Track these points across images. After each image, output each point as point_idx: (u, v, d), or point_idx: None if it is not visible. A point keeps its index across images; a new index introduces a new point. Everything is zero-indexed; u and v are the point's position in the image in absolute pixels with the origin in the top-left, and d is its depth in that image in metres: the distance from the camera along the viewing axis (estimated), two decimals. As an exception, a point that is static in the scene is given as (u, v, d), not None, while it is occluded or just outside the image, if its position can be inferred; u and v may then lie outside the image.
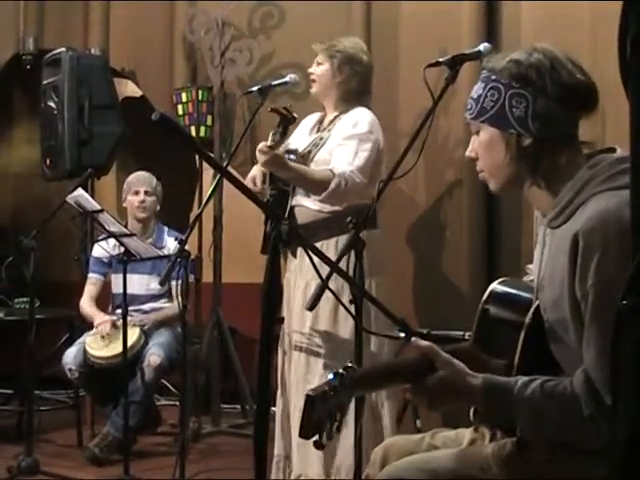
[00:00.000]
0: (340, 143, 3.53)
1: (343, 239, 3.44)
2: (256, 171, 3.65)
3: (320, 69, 3.68)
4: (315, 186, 3.48)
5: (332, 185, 3.41)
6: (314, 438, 1.67)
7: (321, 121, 3.77)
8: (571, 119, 1.91)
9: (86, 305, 4.87)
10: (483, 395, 1.83)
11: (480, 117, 1.95)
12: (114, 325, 4.57)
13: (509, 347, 1.92)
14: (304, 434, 1.66)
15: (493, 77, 1.92)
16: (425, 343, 1.86)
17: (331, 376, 1.72)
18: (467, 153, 2.02)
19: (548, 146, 1.90)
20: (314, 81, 3.70)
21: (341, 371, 1.73)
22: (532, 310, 1.95)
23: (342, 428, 1.70)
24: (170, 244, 4.78)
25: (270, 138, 3.43)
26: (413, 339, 1.87)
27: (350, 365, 1.77)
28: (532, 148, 1.89)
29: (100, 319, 4.69)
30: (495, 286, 2.09)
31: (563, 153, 1.91)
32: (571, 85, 1.89)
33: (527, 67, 1.89)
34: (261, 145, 3.42)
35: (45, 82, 5.27)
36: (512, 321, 1.99)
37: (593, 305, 1.75)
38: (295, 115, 3.47)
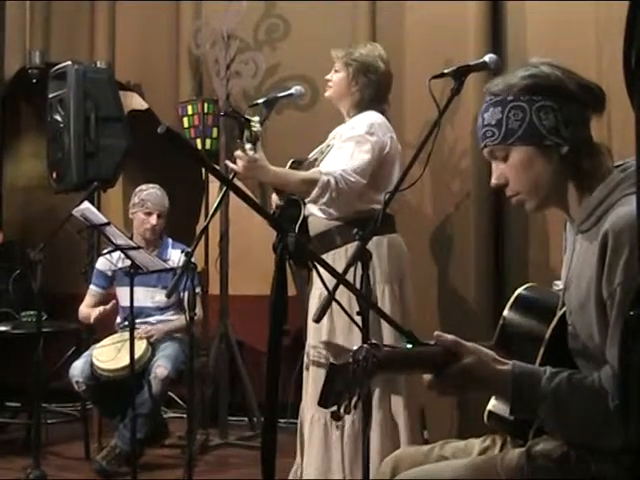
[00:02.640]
0: (339, 146, 3.51)
1: (350, 247, 3.42)
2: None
3: (337, 76, 3.67)
4: (302, 187, 3.42)
5: (319, 184, 3.35)
6: (332, 408, 1.69)
7: None
8: (589, 120, 1.93)
9: (84, 309, 4.91)
10: (512, 380, 1.81)
11: (509, 139, 1.91)
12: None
13: (531, 352, 1.93)
14: (323, 403, 1.67)
15: (510, 98, 1.91)
16: (449, 336, 1.85)
17: (355, 348, 1.72)
18: (494, 181, 1.98)
19: (584, 150, 1.90)
20: (330, 87, 3.70)
21: (366, 346, 1.73)
22: (558, 316, 1.96)
23: (358, 406, 1.71)
24: (175, 256, 4.78)
25: (247, 146, 3.34)
26: (437, 333, 1.85)
27: (375, 342, 1.78)
28: (571, 155, 1.89)
29: (95, 311, 4.71)
30: (521, 292, 2.11)
31: (596, 155, 1.92)
32: (587, 86, 1.91)
33: (545, 78, 1.90)
34: (236, 153, 3.35)
35: (51, 95, 5.28)
36: (535, 327, 2.01)
37: (619, 303, 1.75)
38: (246, 116, 3.37)
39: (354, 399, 1.70)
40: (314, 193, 3.38)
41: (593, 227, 1.86)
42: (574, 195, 1.92)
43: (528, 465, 1.94)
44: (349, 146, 3.47)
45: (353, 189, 3.42)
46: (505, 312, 2.09)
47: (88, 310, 4.85)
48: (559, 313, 1.97)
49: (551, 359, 1.90)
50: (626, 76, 1.33)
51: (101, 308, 4.68)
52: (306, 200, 3.46)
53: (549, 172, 1.91)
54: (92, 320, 4.70)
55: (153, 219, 4.84)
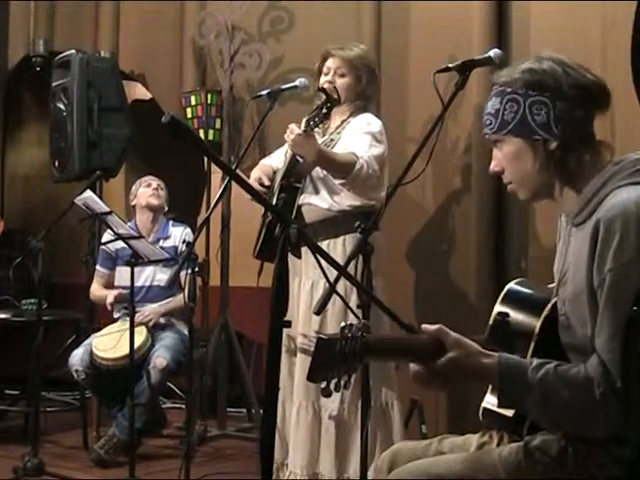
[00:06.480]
0: (355, 136, 3.55)
1: (349, 238, 3.46)
2: (259, 172, 3.67)
3: (343, 81, 3.64)
4: (341, 168, 3.47)
5: (357, 166, 3.42)
6: (322, 385, 1.69)
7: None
8: (588, 118, 1.95)
9: (97, 291, 4.95)
10: (498, 371, 1.82)
11: (502, 130, 1.96)
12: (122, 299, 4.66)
13: (523, 346, 1.94)
14: (312, 377, 1.67)
15: (508, 89, 1.95)
16: (434, 326, 1.86)
17: (343, 324, 1.73)
18: (492, 168, 2.04)
19: (573, 147, 1.93)
20: (334, 90, 3.65)
21: (355, 324, 1.73)
22: (549, 306, 1.97)
23: (349, 386, 1.71)
24: (176, 232, 4.88)
25: (304, 123, 3.41)
26: (423, 326, 1.87)
27: (366, 323, 1.77)
28: (559, 151, 1.92)
29: (111, 294, 4.77)
30: (511, 286, 2.13)
31: (586, 152, 1.94)
32: (585, 84, 1.93)
33: (541, 74, 1.93)
34: (293, 126, 3.41)
35: (55, 84, 5.27)
36: (526, 320, 2.02)
37: (608, 289, 1.77)
38: (339, 97, 3.53)
39: (344, 377, 1.69)
40: (351, 176, 3.44)
41: (586, 219, 1.89)
42: (563, 190, 1.96)
43: (526, 460, 1.94)
44: (367, 137, 3.54)
45: (372, 177, 3.49)
46: (496, 306, 2.10)
47: (103, 292, 4.88)
48: (549, 305, 1.98)
49: (542, 352, 1.91)
50: (634, 74, 1.33)
51: (116, 292, 4.74)
52: (340, 182, 3.51)
53: (536, 166, 1.95)
54: (108, 303, 4.76)
55: (154, 184, 4.93)
